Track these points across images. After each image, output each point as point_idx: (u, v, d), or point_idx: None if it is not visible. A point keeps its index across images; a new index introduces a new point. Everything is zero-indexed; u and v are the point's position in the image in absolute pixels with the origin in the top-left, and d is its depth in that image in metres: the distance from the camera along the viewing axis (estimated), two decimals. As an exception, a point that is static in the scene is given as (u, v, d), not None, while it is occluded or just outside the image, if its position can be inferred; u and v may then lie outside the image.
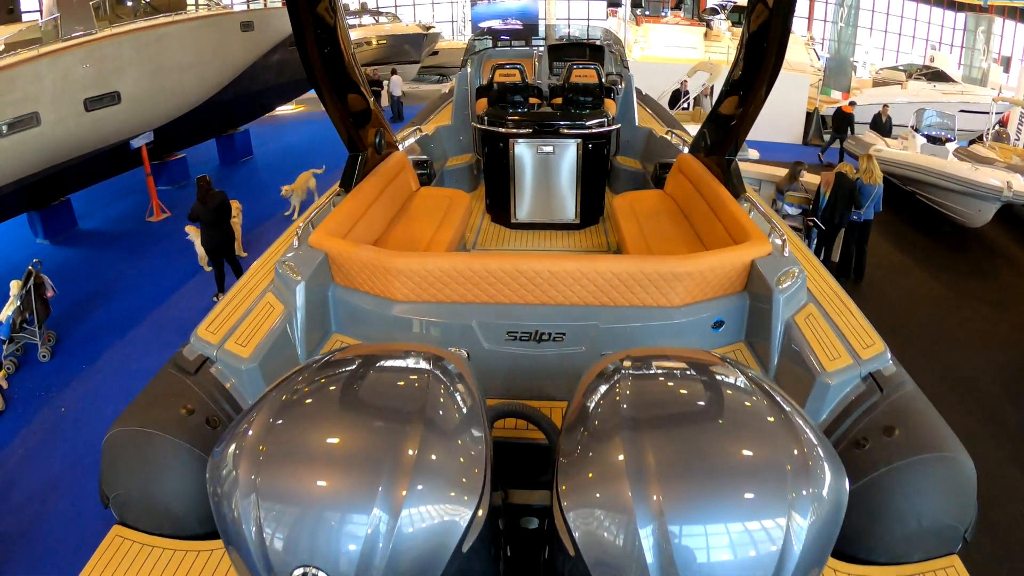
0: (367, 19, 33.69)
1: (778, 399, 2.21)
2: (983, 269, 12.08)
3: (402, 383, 2.35)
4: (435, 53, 33.81)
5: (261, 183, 17.12)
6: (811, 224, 10.37)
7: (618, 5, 29.80)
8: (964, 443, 3.39)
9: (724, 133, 5.75)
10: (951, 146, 14.35)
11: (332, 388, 2.33)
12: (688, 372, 2.38)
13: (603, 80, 8.45)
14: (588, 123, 7.24)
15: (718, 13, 29.29)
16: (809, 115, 22.57)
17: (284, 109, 24.89)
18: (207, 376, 3.87)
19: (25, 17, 15.07)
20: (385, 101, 26.44)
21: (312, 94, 33.38)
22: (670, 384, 2.38)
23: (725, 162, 5.61)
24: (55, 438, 7.40)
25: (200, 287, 10.82)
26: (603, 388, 2.32)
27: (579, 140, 7.21)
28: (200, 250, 10.85)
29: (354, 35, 31.21)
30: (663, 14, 28.69)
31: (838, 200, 10.11)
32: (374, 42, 30.79)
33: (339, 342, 4.56)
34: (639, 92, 9.86)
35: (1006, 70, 34.63)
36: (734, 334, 4.49)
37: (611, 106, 8.61)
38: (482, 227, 7.79)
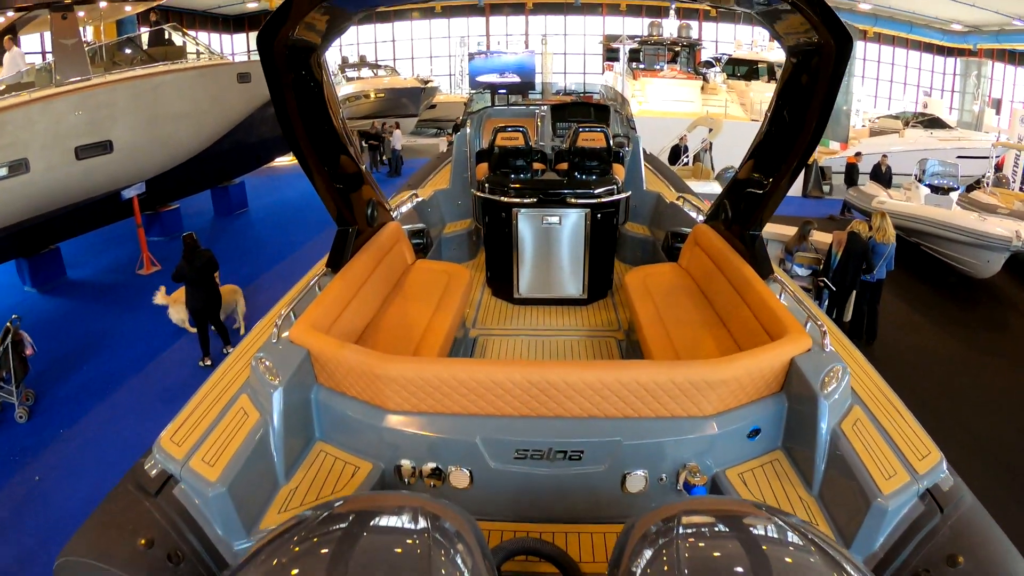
0: (366, 72, 33.99)
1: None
2: (994, 322, 11.80)
3: (399, 549, 2.10)
4: (433, 107, 34.00)
5: (255, 237, 16.89)
6: (822, 285, 10.06)
7: (615, 59, 30.10)
8: (997, 518, 3.18)
9: (748, 205, 5.18)
10: (954, 195, 14.21)
11: (323, 556, 2.04)
12: (748, 537, 2.14)
13: (611, 143, 7.97)
14: (596, 191, 6.83)
15: (713, 66, 29.62)
16: (808, 167, 22.49)
17: (281, 161, 24.83)
18: (170, 498, 3.40)
19: (28, 60, 14.97)
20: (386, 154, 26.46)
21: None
22: (728, 554, 2.12)
23: (749, 237, 5.09)
24: (25, 511, 6.94)
25: (187, 348, 10.38)
26: (648, 554, 2.09)
27: (587, 210, 6.78)
28: (174, 315, 10.45)
29: (352, 88, 31.47)
30: (659, 68, 28.87)
31: (850, 260, 9.82)
32: (372, 95, 30.98)
33: (323, 452, 3.98)
34: (645, 153, 9.45)
35: (997, 112, 35.19)
36: (770, 441, 3.99)
37: (619, 171, 8.13)
38: (483, 302, 7.28)
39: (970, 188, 16.04)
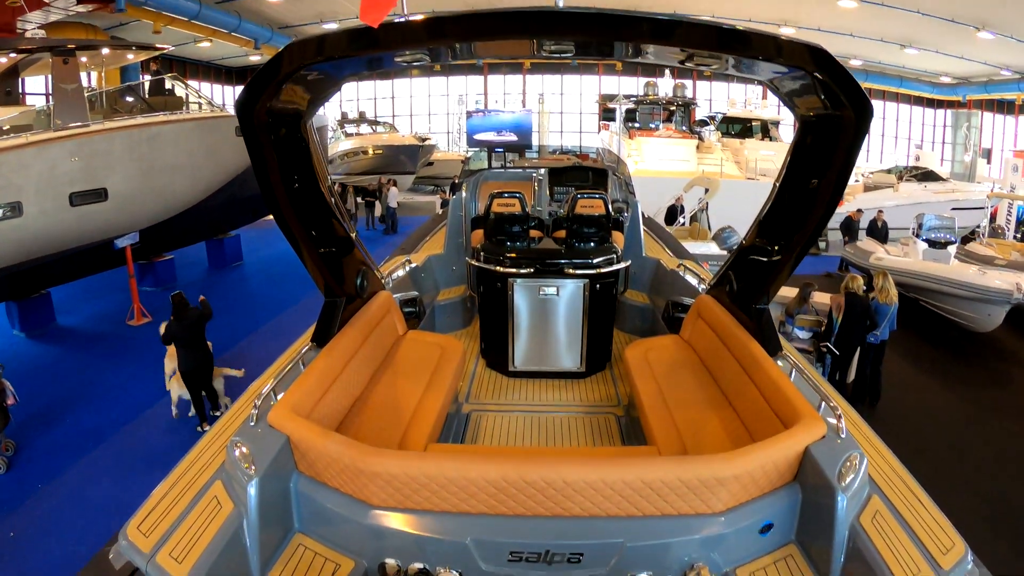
0: (365, 128, 34.34)
1: None
2: (998, 377, 11.59)
3: None
4: (430, 164, 34.28)
5: (249, 291, 16.74)
6: (824, 350, 9.81)
7: (612, 119, 30.46)
8: None
9: (755, 276, 4.91)
10: (952, 248, 14.17)
11: None
12: None
13: (610, 210, 7.66)
14: (595, 261, 6.60)
15: (708, 124, 29.90)
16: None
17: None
18: None
19: (31, 100, 15.11)
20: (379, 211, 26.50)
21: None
22: None
23: (756, 311, 4.84)
24: (-3, 567, 6.63)
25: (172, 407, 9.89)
26: None
27: (585, 280, 6.54)
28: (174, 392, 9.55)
29: (350, 144, 31.76)
30: (654, 127, 29.15)
31: (852, 323, 9.60)
32: (370, 151, 31.21)
33: (302, 546, 3.67)
34: (643, 216, 9.24)
35: (988, 161, 35.70)
36: (783, 535, 3.70)
37: (619, 239, 7.90)
38: (476, 374, 6.98)
39: (965, 240, 16.03)
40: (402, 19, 3.32)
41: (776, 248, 4.59)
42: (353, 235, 5.18)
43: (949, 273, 12.59)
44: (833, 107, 3.57)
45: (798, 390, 4.05)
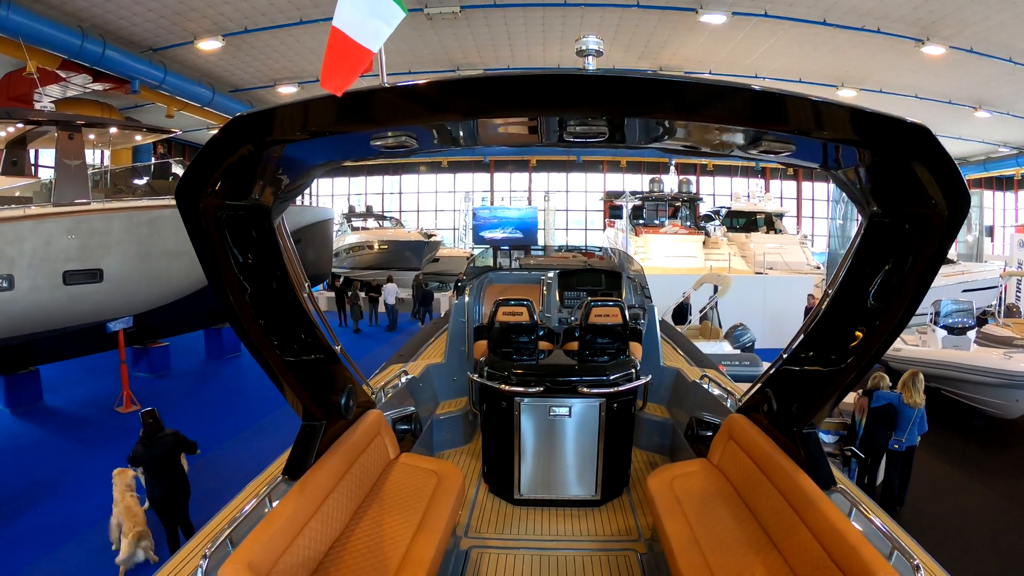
0: (371, 222, 34.59)
1: None
2: (1033, 467, 10.86)
3: None
4: (436, 260, 34.29)
5: (244, 385, 16.05)
6: (850, 454, 9.15)
7: (618, 216, 30.60)
8: None
9: (801, 395, 4.18)
10: (971, 334, 13.76)
11: None
12: None
13: (627, 318, 7.00)
14: (612, 377, 5.90)
15: (713, 219, 29.96)
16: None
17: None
18: None
19: (44, 173, 15.15)
20: (381, 308, 26.31)
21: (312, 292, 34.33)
22: None
23: (803, 437, 4.06)
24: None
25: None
26: None
27: (601, 399, 5.83)
28: (116, 533, 7.66)
29: (356, 238, 31.90)
30: (659, 223, 29.26)
31: (876, 426, 8.98)
32: (376, 246, 31.32)
33: None
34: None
35: (991, 238, 35.71)
36: None
37: (637, 350, 7.24)
38: (478, 501, 6.21)
39: (980, 322, 15.58)
40: (378, 87, 2.60)
41: (829, 363, 3.87)
42: (338, 348, 4.51)
43: (973, 360, 12.10)
44: (920, 203, 2.89)
45: (863, 536, 3.31)
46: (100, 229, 12.01)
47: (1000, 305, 16.16)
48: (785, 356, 4.31)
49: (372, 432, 4.99)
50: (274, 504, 3.65)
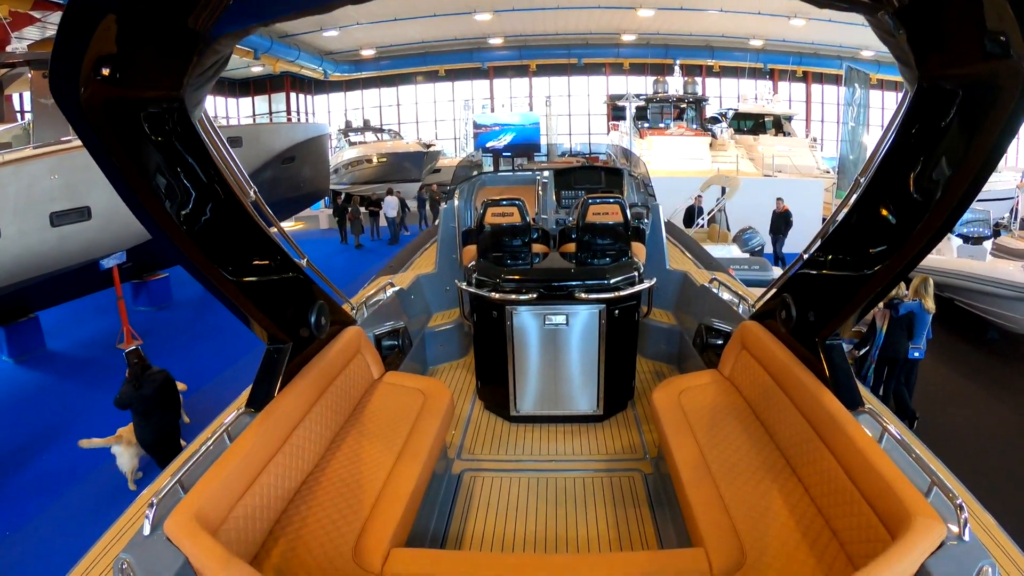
0: (369, 136, 33.90)
1: None
2: (1048, 382, 10.68)
3: None
4: (437, 171, 33.73)
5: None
6: (873, 363, 8.72)
7: (621, 118, 29.83)
8: None
9: (825, 302, 3.67)
10: (988, 244, 13.39)
11: None
12: None
13: (628, 217, 6.46)
14: (614, 280, 5.29)
15: (720, 122, 29.22)
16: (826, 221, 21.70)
17: (284, 225, 24.40)
18: None
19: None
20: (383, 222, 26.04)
21: (313, 210, 33.04)
22: None
23: (826, 349, 3.56)
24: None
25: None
26: None
27: (602, 306, 5.29)
28: (123, 462, 7.84)
29: (355, 152, 31.30)
30: (664, 126, 28.52)
31: (899, 335, 8.61)
32: (375, 160, 30.76)
33: None
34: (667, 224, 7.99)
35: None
36: None
37: (640, 251, 6.68)
38: (472, 419, 5.77)
39: (993, 233, 15.17)
40: None
41: (860, 265, 3.37)
42: (303, 261, 4.09)
43: (988, 271, 11.75)
44: (991, 53, 2.25)
45: (897, 467, 2.78)
46: (84, 165, 11.55)
47: (1015, 217, 15.62)
48: (806, 257, 3.86)
49: (350, 351, 4.54)
50: (233, 441, 3.21)
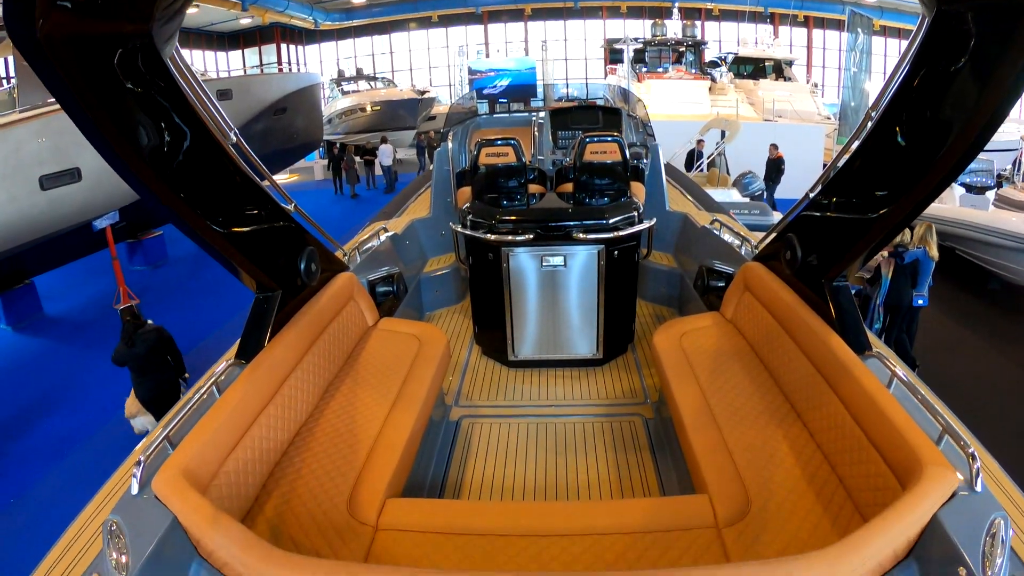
0: (363, 84, 33.37)
1: None
2: (1050, 335, 10.65)
3: None
4: (432, 118, 33.22)
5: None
6: (882, 311, 8.73)
7: (619, 61, 29.31)
8: None
9: (831, 242, 3.53)
10: (991, 194, 13.20)
11: None
12: None
13: (627, 156, 6.32)
14: (612, 220, 5.19)
15: (719, 65, 28.75)
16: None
17: (279, 179, 24.13)
18: None
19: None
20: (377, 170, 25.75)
21: (308, 161, 32.78)
22: None
23: (833, 291, 3.42)
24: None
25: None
26: None
27: (600, 246, 5.19)
28: (139, 426, 7.96)
29: (348, 101, 30.82)
30: (662, 69, 28.03)
31: (904, 281, 8.60)
32: (368, 108, 30.30)
33: None
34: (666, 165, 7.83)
35: None
36: None
37: (639, 191, 6.48)
38: (470, 365, 5.71)
39: (996, 184, 15.00)
40: None
41: (869, 205, 3.22)
42: (291, 207, 3.95)
43: (991, 221, 11.64)
44: None
45: (907, 414, 2.66)
46: (71, 126, 11.30)
47: (1017, 169, 15.34)
48: (812, 195, 3.70)
49: (343, 297, 4.44)
50: (222, 394, 3.11)
